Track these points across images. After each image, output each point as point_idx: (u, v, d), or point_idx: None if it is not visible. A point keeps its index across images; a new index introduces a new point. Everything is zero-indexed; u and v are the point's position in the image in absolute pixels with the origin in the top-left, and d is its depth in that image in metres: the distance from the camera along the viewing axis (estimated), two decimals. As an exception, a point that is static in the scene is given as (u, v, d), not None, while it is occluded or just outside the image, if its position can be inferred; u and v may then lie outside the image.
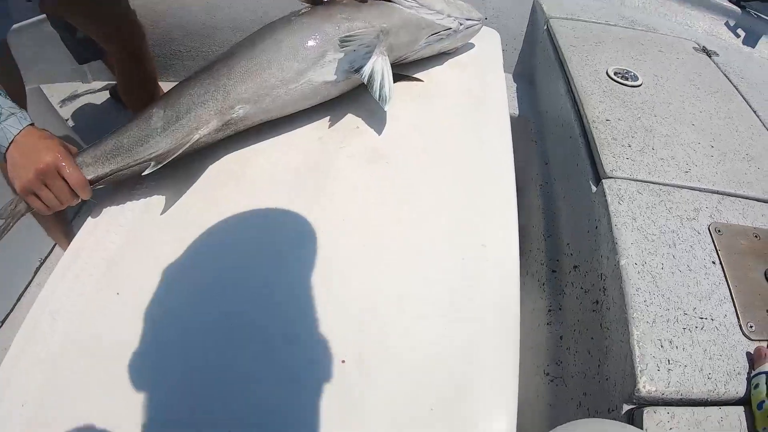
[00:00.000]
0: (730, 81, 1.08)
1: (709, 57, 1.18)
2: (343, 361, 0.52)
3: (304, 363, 0.52)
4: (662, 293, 0.64)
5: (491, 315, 0.56)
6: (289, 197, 0.67)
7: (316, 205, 0.66)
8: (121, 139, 0.71)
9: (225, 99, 0.71)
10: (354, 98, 0.81)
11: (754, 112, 0.99)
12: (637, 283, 0.65)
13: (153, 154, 0.70)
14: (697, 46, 1.22)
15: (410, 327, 0.55)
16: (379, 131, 0.77)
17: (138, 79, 1.47)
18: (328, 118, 0.80)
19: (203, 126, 0.70)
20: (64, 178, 0.66)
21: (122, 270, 0.63)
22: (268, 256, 0.62)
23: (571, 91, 1.00)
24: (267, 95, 0.73)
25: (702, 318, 0.62)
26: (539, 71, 1.34)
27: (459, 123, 0.79)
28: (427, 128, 0.78)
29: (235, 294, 0.59)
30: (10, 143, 0.66)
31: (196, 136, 0.70)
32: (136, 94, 1.48)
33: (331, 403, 0.50)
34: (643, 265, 0.67)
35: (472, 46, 0.97)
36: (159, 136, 0.71)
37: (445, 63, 0.92)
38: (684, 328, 0.61)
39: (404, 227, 0.64)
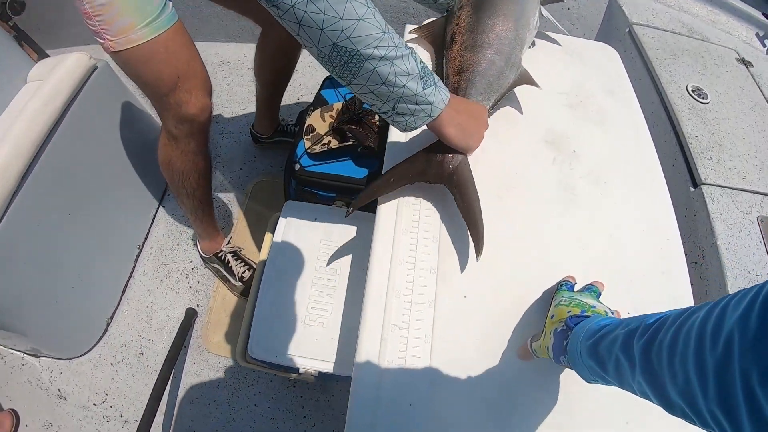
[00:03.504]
0: (763, 94, 1.66)
1: (747, 68, 1.75)
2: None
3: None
4: (738, 259, 1.26)
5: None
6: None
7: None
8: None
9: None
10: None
11: None
12: (726, 254, 1.26)
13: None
14: (738, 56, 1.78)
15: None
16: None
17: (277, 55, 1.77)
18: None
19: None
20: None
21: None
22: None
23: (664, 103, 1.54)
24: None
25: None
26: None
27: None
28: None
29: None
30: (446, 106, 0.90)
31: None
32: (266, 70, 1.81)
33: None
34: (728, 244, 1.28)
35: (592, 63, 1.36)
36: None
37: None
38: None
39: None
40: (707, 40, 1.83)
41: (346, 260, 1.27)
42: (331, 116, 1.48)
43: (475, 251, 0.91)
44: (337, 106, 1.50)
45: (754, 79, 1.71)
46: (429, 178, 0.98)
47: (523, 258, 0.95)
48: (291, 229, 1.32)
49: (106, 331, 1.79)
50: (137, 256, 1.94)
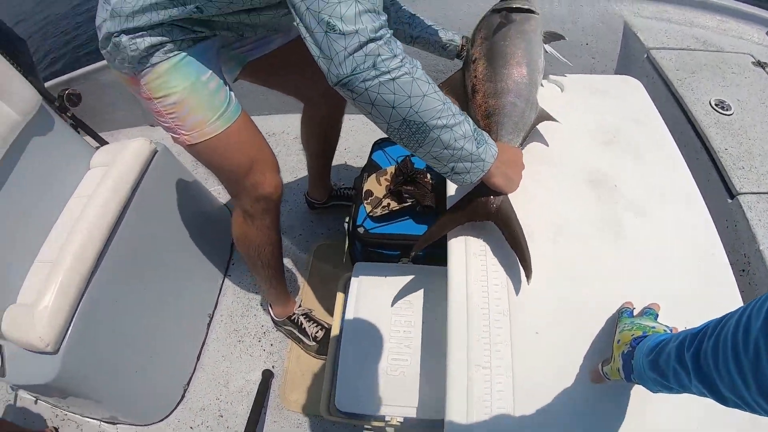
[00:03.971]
0: None
1: (764, 69, 1.86)
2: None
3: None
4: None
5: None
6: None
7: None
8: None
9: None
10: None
11: None
12: (772, 259, 1.36)
13: None
14: (753, 59, 1.90)
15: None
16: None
17: (324, 133, 1.95)
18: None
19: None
20: None
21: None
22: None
23: (691, 122, 1.66)
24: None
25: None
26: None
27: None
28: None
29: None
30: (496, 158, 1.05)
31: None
32: (314, 142, 1.98)
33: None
34: (770, 248, 1.38)
35: (618, 97, 1.47)
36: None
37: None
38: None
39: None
40: (722, 50, 1.95)
41: (418, 311, 1.39)
42: (386, 179, 1.63)
43: (525, 275, 1.04)
44: (391, 169, 1.65)
45: None
46: (478, 217, 1.12)
47: (582, 292, 1.07)
48: (363, 287, 1.46)
49: (183, 396, 1.93)
50: (209, 324, 2.09)
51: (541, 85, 1.42)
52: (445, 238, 1.17)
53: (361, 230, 1.60)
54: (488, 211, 1.11)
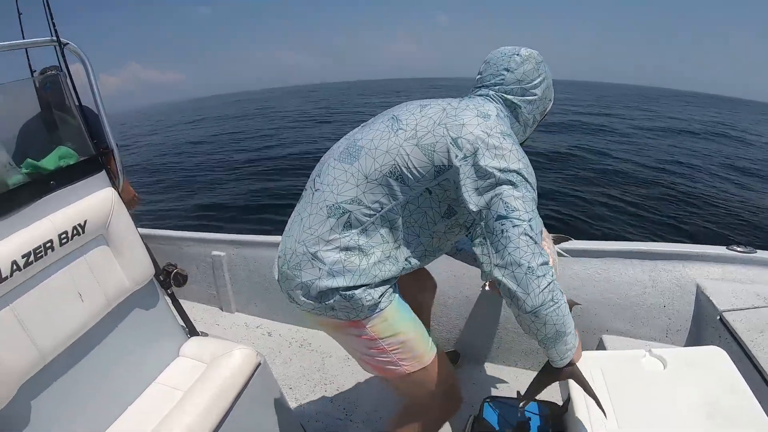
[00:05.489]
0: None
1: None
2: None
3: None
4: None
5: None
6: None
7: None
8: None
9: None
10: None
11: None
12: None
13: None
14: None
15: None
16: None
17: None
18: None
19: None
20: None
21: None
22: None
23: (765, 379, 2.18)
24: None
25: None
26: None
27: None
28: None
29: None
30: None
31: None
32: None
33: None
34: None
35: (708, 370, 1.82)
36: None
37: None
38: None
39: None
40: None
41: None
42: (506, 440, 1.67)
43: (603, 412, 1.33)
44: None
45: None
46: (561, 378, 1.39)
47: None
48: None
49: None
50: None
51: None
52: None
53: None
54: (568, 373, 1.38)
